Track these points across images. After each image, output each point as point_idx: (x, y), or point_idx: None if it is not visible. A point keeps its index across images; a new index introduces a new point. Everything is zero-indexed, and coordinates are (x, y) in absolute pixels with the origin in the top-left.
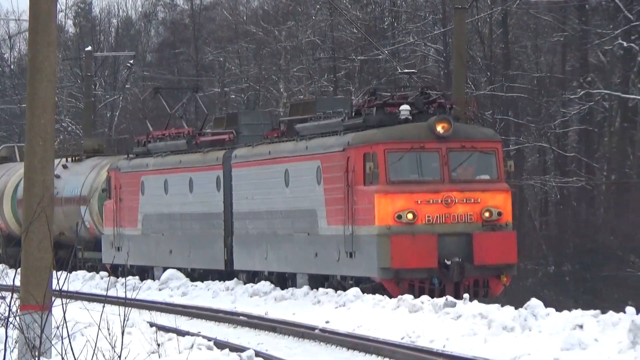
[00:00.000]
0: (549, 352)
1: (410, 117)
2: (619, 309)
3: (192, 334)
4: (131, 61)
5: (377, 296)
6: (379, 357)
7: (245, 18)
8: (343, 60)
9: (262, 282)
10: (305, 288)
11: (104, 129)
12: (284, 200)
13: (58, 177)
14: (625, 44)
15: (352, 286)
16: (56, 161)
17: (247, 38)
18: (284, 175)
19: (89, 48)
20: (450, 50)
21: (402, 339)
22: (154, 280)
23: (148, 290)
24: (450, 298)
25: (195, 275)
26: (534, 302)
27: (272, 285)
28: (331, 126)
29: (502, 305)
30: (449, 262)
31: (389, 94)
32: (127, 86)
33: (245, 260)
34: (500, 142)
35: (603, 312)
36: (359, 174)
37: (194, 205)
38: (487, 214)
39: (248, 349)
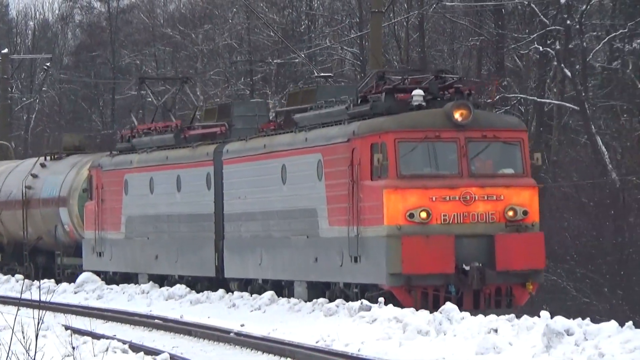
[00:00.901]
0: (463, 355)
1: (423, 104)
2: None
3: (107, 337)
4: (48, 64)
5: (293, 300)
6: None
7: (162, 21)
8: (260, 63)
9: (177, 285)
10: (221, 292)
11: (20, 131)
12: (280, 199)
13: (36, 176)
14: (541, 48)
15: (356, 295)
16: (33, 160)
17: (164, 41)
18: (280, 171)
19: (6, 50)
20: (367, 54)
21: (317, 342)
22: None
23: (64, 293)
24: (365, 302)
25: (184, 282)
26: (449, 306)
27: (188, 289)
28: (334, 115)
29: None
30: (467, 268)
31: (400, 78)
32: (43, 89)
33: (237, 266)
34: (526, 132)
35: (518, 317)
36: (365, 167)
37: (181, 206)
38: (510, 213)
39: (163, 352)
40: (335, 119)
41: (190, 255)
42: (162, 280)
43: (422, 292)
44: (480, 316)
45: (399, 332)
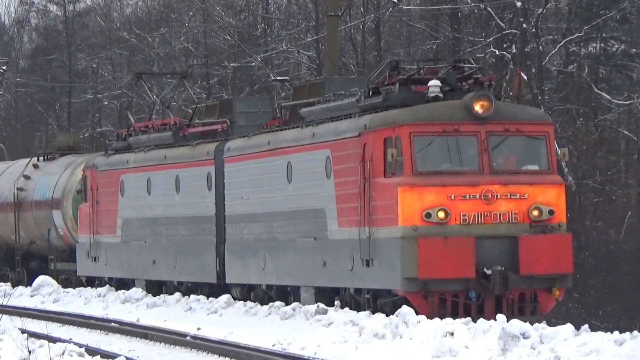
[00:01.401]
0: (420, 359)
1: (440, 95)
2: None
3: (64, 341)
4: (4, 67)
5: (249, 303)
6: None
7: (118, 24)
8: (216, 67)
9: (134, 288)
10: (177, 295)
11: None
12: (285, 199)
13: (28, 177)
14: (497, 51)
15: (368, 301)
16: (26, 160)
17: (120, 44)
18: (285, 169)
19: None
20: (323, 57)
21: (273, 345)
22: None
23: (20, 296)
24: (322, 305)
25: (183, 289)
26: (405, 310)
27: (144, 292)
28: (343, 108)
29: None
30: (489, 272)
31: (415, 68)
32: (0, 92)
33: (239, 271)
34: (552, 125)
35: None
36: (378, 163)
37: (180, 208)
38: (535, 213)
39: (119, 355)
40: (345, 113)
41: (190, 260)
42: (160, 287)
43: (439, 298)
44: (437, 319)
45: (355, 335)
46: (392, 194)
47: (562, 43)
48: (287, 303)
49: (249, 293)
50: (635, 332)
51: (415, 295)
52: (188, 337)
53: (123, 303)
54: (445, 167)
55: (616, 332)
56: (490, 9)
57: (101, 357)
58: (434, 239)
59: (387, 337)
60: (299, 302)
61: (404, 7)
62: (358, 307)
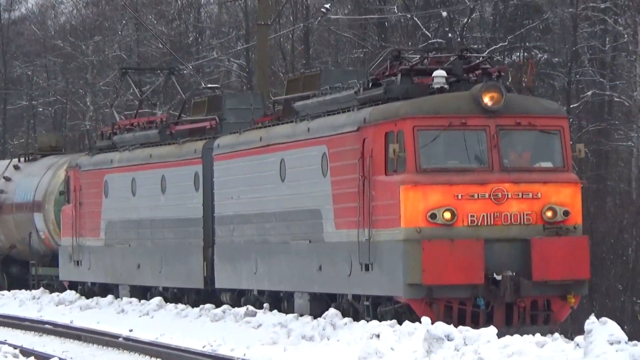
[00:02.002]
0: None
1: (446, 87)
2: None
3: None
4: None
5: (180, 305)
6: None
7: (53, 32)
8: (148, 74)
9: (68, 291)
10: (110, 297)
11: None
12: (278, 198)
13: (8, 179)
14: None
15: (367, 308)
16: (6, 162)
17: (55, 52)
18: (279, 167)
19: None
20: (253, 65)
21: (203, 347)
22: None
23: None
24: (250, 308)
25: (168, 295)
26: (332, 312)
27: (78, 295)
28: (341, 101)
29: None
30: (499, 277)
31: (418, 57)
32: None
33: (229, 276)
34: (567, 119)
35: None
36: (378, 160)
37: (166, 210)
38: (549, 214)
39: (53, 356)
40: (343, 106)
41: (176, 265)
42: (144, 292)
43: (445, 306)
44: (363, 322)
45: (283, 337)
46: (394, 193)
47: (486, 52)
48: (280, 310)
49: (239, 299)
50: (556, 335)
51: (418, 303)
52: (120, 339)
53: (57, 305)
54: (452, 164)
55: (538, 335)
56: (416, 19)
57: (35, 358)
58: (439, 241)
59: (315, 339)
60: (293, 308)
61: (332, 16)
62: (356, 315)
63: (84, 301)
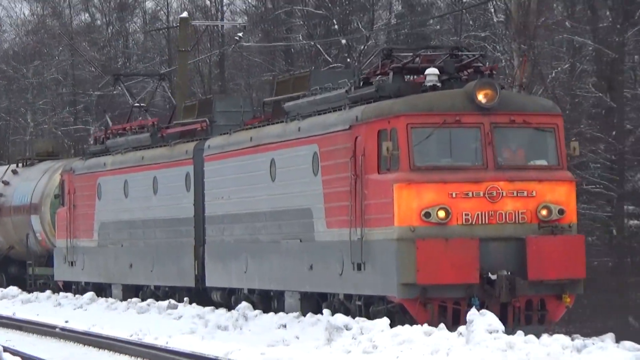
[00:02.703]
0: (257, 347)
1: (438, 84)
2: None
3: None
4: None
5: (110, 299)
6: (111, 352)
7: None
8: (82, 94)
9: (11, 286)
10: (48, 292)
11: None
12: (269, 198)
13: (7, 183)
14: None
15: (359, 308)
16: (5, 167)
17: None
18: (269, 167)
19: None
20: (175, 86)
21: (130, 336)
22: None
23: None
24: (172, 301)
25: (160, 293)
26: (244, 305)
27: (20, 290)
28: (332, 100)
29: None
30: (494, 277)
31: (411, 55)
32: None
33: (220, 275)
34: (561, 117)
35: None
36: (371, 158)
37: (158, 210)
38: (544, 212)
39: None
40: (334, 105)
41: (168, 264)
42: (137, 291)
43: (439, 306)
44: (272, 314)
45: (201, 327)
46: (387, 192)
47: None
48: (270, 308)
49: (229, 297)
50: (442, 325)
51: (412, 303)
52: (57, 329)
53: (1, 299)
54: (446, 161)
55: (426, 325)
56: (318, 46)
57: None
58: (434, 240)
59: (229, 328)
60: (283, 307)
61: (244, 43)
62: (348, 315)
63: (25, 295)
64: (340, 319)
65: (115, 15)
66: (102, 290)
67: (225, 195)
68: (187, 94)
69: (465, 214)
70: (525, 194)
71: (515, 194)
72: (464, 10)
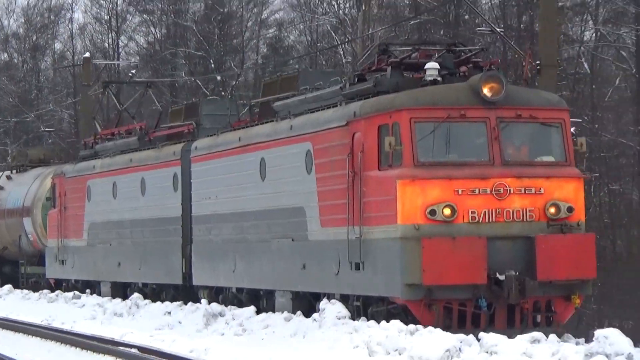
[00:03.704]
0: (147, 331)
1: (439, 79)
2: None
3: None
4: None
5: (25, 291)
6: (25, 334)
7: None
8: (1, 120)
9: None
10: None
11: None
12: (258, 197)
13: (1, 188)
14: None
15: (358, 308)
16: (2, 173)
17: None
18: (258, 166)
19: None
20: (79, 114)
21: (42, 321)
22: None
23: None
24: (76, 292)
25: (147, 291)
26: (135, 295)
27: None
28: (325, 98)
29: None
30: (502, 277)
31: (409, 49)
32: None
33: (207, 273)
34: (568, 112)
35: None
36: (370, 154)
37: (146, 210)
38: (552, 210)
39: None
40: (327, 103)
41: (155, 262)
42: (125, 288)
43: (444, 307)
44: (159, 302)
45: (101, 314)
46: (390, 189)
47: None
48: (259, 308)
49: (217, 296)
50: (299, 312)
51: (417, 304)
52: None
53: None
54: (451, 157)
55: (285, 312)
56: (198, 81)
57: None
58: (440, 239)
59: (124, 315)
60: (273, 307)
61: (137, 79)
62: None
63: None
64: (216, 307)
65: (29, 55)
66: (91, 287)
67: (213, 195)
68: (91, 124)
69: (472, 212)
70: (533, 191)
71: (522, 191)
72: (318, 53)
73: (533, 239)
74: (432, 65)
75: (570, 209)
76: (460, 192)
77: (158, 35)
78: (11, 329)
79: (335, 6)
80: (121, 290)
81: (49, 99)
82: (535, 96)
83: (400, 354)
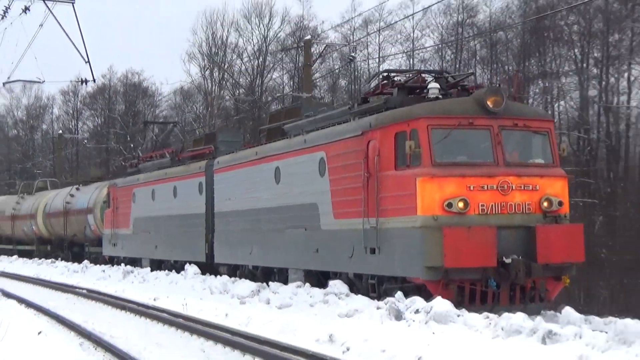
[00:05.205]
0: (91, 281)
1: (440, 97)
2: None
3: None
4: None
5: (103, 265)
6: (20, 281)
7: None
8: (14, 165)
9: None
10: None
11: None
12: (273, 196)
13: (72, 196)
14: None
15: (373, 286)
16: (70, 187)
17: None
18: (273, 173)
19: None
20: (56, 164)
21: (34, 275)
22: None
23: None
24: (53, 259)
25: (177, 266)
26: (85, 261)
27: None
28: (334, 117)
29: None
30: (508, 261)
31: (409, 76)
32: None
33: (226, 255)
34: (553, 122)
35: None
36: (386, 157)
37: (177, 209)
38: (546, 204)
39: None
40: (335, 121)
41: (184, 245)
42: (160, 264)
43: (458, 286)
44: (98, 266)
45: (66, 271)
46: (409, 185)
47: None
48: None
49: (235, 271)
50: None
51: (435, 284)
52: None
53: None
54: (462, 158)
55: (174, 271)
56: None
57: None
58: (458, 228)
59: (79, 272)
60: (286, 280)
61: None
62: (352, 290)
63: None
64: (130, 267)
65: (28, 132)
66: (135, 262)
67: (232, 197)
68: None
69: (481, 205)
70: (530, 187)
71: (522, 187)
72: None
73: (533, 228)
74: (434, 85)
75: (560, 203)
76: (471, 188)
77: None
78: (18, 279)
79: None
80: (157, 266)
81: (39, 155)
82: (526, 109)
83: None
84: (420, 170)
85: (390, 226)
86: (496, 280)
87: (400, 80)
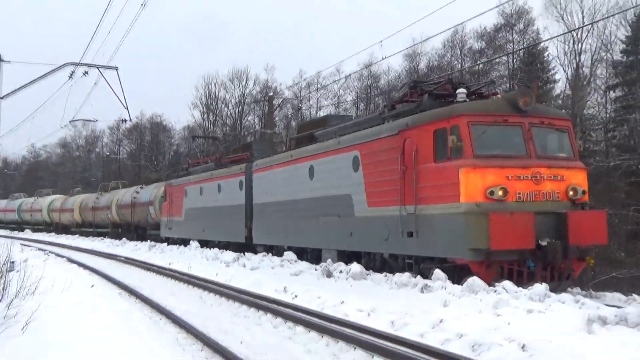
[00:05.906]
0: (129, 252)
1: (467, 100)
2: None
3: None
4: None
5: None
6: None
7: None
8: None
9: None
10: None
11: None
12: (307, 190)
13: (137, 192)
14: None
15: (409, 265)
16: (135, 187)
17: None
18: (307, 171)
19: None
20: (105, 175)
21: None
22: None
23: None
24: (124, 239)
25: (220, 246)
26: (124, 239)
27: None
28: (364, 122)
29: None
30: (544, 243)
31: (435, 83)
32: None
33: (263, 237)
34: (571, 121)
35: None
36: (424, 152)
37: (221, 201)
38: (571, 193)
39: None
40: (366, 125)
41: (226, 229)
42: (206, 244)
43: (499, 266)
44: (133, 242)
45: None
46: (452, 176)
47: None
48: (303, 259)
49: (270, 250)
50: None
51: (478, 264)
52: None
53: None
54: (498, 151)
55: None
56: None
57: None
58: (502, 213)
59: (118, 247)
60: (318, 259)
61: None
62: (386, 269)
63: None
64: (153, 242)
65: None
66: (185, 242)
67: (268, 191)
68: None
69: (518, 193)
70: (559, 177)
71: (552, 178)
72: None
73: (564, 214)
74: (462, 91)
75: (583, 192)
76: (510, 178)
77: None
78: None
79: None
80: (204, 245)
81: (93, 168)
82: (550, 110)
83: None
84: (463, 162)
85: (428, 212)
86: (533, 261)
87: (430, 88)
